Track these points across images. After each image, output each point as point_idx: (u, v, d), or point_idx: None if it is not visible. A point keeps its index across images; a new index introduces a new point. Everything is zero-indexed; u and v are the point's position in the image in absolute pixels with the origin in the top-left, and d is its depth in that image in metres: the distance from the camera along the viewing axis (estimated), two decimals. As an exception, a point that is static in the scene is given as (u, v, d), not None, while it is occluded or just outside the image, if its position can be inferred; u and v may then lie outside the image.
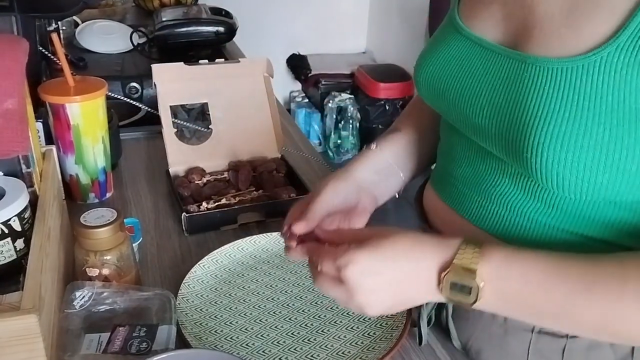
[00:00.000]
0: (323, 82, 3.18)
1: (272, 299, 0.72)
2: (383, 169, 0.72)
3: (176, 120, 1.09)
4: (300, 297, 0.72)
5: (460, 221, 0.64)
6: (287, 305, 0.71)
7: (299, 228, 0.62)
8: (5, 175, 0.63)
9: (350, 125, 3.10)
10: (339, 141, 3.15)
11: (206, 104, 1.01)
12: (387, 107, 2.99)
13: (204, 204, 0.87)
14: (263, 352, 0.64)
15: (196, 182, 0.93)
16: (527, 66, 0.53)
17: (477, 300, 0.50)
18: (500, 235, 0.60)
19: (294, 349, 0.64)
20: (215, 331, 0.66)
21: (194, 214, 0.85)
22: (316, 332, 0.67)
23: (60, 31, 1.49)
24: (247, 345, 0.64)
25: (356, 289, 0.51)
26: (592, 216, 0.54)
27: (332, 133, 3.16)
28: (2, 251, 0.59)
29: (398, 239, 0.52)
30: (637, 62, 0.47)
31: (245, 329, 0.67)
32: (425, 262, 0.51)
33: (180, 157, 0.96)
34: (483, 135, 0.58)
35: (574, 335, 0.58)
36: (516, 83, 0.54)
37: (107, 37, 1.59)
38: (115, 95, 1.21)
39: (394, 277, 0.51)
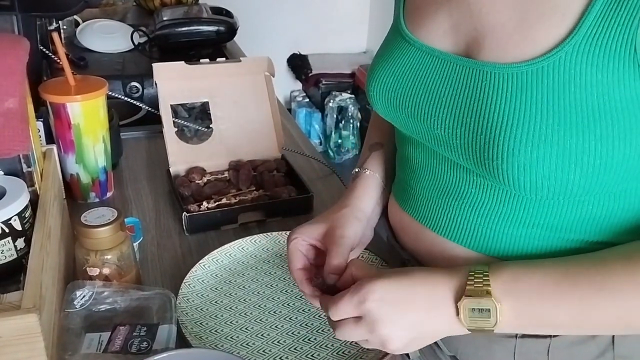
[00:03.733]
0: (324, 82, 3.18)
1: (273, 298, 0.72)
2: (380, 194, 0.72)
3: (177, 120, 1.09)
4: (300, 297, 0.72)
5: (430, 235, 0.63)
6: (288, 304, 0.71)
7: (332, 278, 0.61)
8: (5, 174, 0.63)
9: (351, 125, 3.10)
10: (339, 141, 3.16)
11: (207, 103, 1.01)
12: (388, 107, 2.99)
13: (205, 203, 0.87)
14: (263, 351, 0.64)
15: (197, 181, 0.93)
16: (485, 74, 0.53)
17: (497, 322, 0.50)
18: (472, 246, 0.60)
19: (294, 349, 0.64)
20: (215, 330, 0.66)
21: (195, 213, 0.85)
22: (316, 331, 0.67)
23: (61, 30, 1.49)
24: (247, 344, 0.65)
25: (377, 320, 0.52)
26: (563, 214, 0.54)
27: (333, 133, 3.16)
28: (3, 250, 0.59)
29: (410, 270, 0.54)
30: (594, 60, 0.48)
31: (246, 329, 0.67)
32: (441, 287, 0.53)
33: (180, 156, 0.96)
34: (447, 146, 0.58)
35: (556, 335, 0.59)
36: (476, 92, 0.54)
37: (108, 36, 1.59)
38: (116, 95, 1.21)
39: (413, 306, 0.52)
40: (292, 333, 0.66)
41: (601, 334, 0.58)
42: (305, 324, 0.68)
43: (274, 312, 0.69)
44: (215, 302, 0.71)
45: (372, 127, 0.81)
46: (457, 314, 0.51)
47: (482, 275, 0.52)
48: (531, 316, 0.51)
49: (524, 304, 0.51)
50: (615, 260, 0.50)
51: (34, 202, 0.63)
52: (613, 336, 0.58)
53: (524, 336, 0.60)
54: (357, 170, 0.74)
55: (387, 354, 0.62)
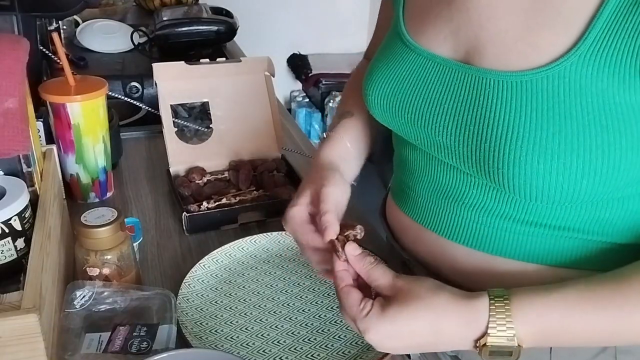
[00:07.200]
0: (324, 82, 3.17)
1: (272, 298, 0.72)
2: (347, 155, 0.70)
3: (177, 120, 1.09)
4: (300, 297, 0.72)
5: (431, 236, 0.63)
6: (287, 304, 0.71)
7: (321, 240, 0.58)
8: (5, 174, 0.63)
9: (351, 125, 3.09)
10: (339, 141, 3.15)
11: (207, 103, 1.01)
12: (388, 107, 2.99)
13: (205, 203, 0.87)
14: (263, 351, 0.64)
15: (197, 181, 0.93)
16: (489, 81, 0.52)
17: (518, 358, 0.49)
18: (475, 246, 0.59)
19: (294, 349, 0.64)
20: (215, 331, 0.66)
21: (195, 213, 0.85)
22: (316, 331, 0.67)
23: (61, 30, 1.49)
24: (247, 344, 0.64)
25: (378, 347, 0.52)
26: (567, 215, 0.54)
27: (333, 133, 3.16)
28: (3, 250, 0.59)
29: (420, 312, 0.50)
30: (600, 70, 0.47)
31: (246, 329, 0.67)
32: (456, 330, 0.50)
33: (180, 156, 0.96)
34: (448, 152, 0.57)
35: None
36: (480, 99, 0.53)
37: (108, 36, 1.59)
38: (116, 95, 1.21)
39: (421, 343, 0.51)
40: (292, 333, 0.66)
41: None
42: (305, 324, 0.68)
43: (274, 312, 0.69)
44: (215, 302, 0.71)
45: (346, 93, 0.79)
46: (475, 347, 0.49)
47: (504, 315, 0.48)
48: (552, 344, 0.51)
49: (550, 341, 0.50)
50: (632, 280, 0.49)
51: (34, 202, 0.63)
52: None
53: None
54: (323, 136, 0.72)
55: (386, 354, 0.62)
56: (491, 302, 0.49)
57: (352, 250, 0.55)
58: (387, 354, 0.62)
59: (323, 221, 0.57)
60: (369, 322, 0.51)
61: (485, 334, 0.48)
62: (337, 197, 0.60)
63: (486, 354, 0.49)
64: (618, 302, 0.48)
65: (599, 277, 0.50)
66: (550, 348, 0.59)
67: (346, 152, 0.70)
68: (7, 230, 0.59)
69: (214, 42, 1.58)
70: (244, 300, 0.71)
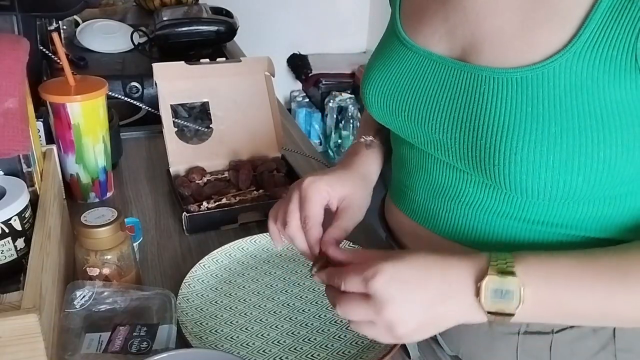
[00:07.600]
0: (324, 82, 3.18)
1: (273, 298, 0.72)
2: (378, 171, 0.72)
3: (177, 120, 1.09)
4: (300, 297, 0.72)
5: (428, 235, 0.63)
6: (288, 304, 0.71)
7: (334, 252, 0.59)
8: (5, 174, 0.63)
9: (351, 125, 3.10)
10: (339, 141, 3.16)
11: (207, 103, 1.01)
12: (388, 107, 2.99)
13: (205, 203, 0.87)
14: (263, 351, 0.64)
15: (197, 181, 0.93)
16: (485, 78, 0.53)
17: (519, 306, 0.47)
18: (472, 244, 0.59)
19: (294, 349, 0.64)
20: (215, 331, 0.66)
21: (195, 213, 0.85)
22: (316, 331, 0.67)
23: (61, 30, 1.49)
24: (247, 344, 0.64)
25: (385, 301, 0.48)
26: (564, 212, 0.54)
27: (333, 133, 3.16)
28: (3, 250, 0.59)
29: (425, 253, 0.51)
30: (595, 66, 0.47)
31: (246, 329, 0.67)
32: (459, 267, 0.49)
33: (180, 156, 0.96)
34: (444, 150, 0.58)
35: (559, 330, 0.59)
36: (476, 96, 0.53)
37: (108, 36, 1.59)
38: (116, 95, 1.21)
39: (425, 287, 0.49)
40: (292, 333, 0.66)
41: (626, 327, 0.57)
42: (305, 324, 0.68)
43: (274, 312, 0.69)
44: (215, 302, 0.71)
45: (366, 123, 0.80)
46: (477, 294, 0.48)
47: (505, 257, 0.49)
48: (554, 303, 0.48)
49: (548, 289, 0.48)
50: (638, 250, 0.49)
51: (33, 202, 0.63)
52: (614, 330, 0.58)
53: (526, 333, 0.60)
54: (370, 139, 0.72)
55: (387, 354, 0.62)
56: (492, 253, 0.50)
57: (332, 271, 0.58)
58: (388, 353, 0.62)
59: (333, 233, 0.60)
60: (376, 266, 0.48)
61: (486, 271, 0.47)
62: (356, 222, 0.64)
63: (487, 297, 0.47)
64: (617, 267, 0.48)
65: (600, 248, 0.51)
66: (550, 347, 0.59)
67: (381, 166, 0.72)
68: (7, 230, 0.59)
69: (214, 42, 1.58)
70: (244, 300, 0.71)
